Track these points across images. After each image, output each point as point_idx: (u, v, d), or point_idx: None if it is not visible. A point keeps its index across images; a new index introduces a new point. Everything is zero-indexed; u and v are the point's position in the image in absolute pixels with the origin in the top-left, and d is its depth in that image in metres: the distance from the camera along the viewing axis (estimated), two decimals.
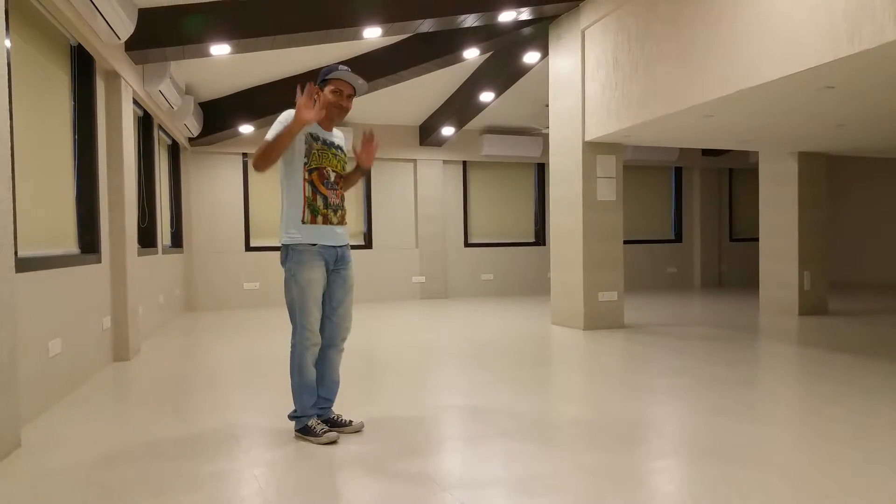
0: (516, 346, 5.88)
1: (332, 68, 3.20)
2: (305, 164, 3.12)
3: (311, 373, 3.17)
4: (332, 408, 3.34)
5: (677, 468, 2.73)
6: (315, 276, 3.11)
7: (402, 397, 4.05)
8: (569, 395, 4.08)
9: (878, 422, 3.34)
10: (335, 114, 3.22)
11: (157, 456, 2.96)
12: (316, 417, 3.20)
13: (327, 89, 3.18)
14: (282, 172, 3.18)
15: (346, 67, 3.19)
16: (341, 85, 3.20)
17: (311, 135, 3.15)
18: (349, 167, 3.38)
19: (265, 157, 3.02)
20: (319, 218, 3.13)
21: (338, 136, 3.33)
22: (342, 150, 3.31)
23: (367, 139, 3.33)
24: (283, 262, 3.16)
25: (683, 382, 4.30)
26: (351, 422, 3.29)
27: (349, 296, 3.28)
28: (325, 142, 3.20)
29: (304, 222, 3.11)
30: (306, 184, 3.12)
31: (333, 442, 3.07)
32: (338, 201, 3.22)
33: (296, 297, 3.11)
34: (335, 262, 3.21)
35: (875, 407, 3.62)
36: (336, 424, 3.26)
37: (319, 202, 3.14)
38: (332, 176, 3.20)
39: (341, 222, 3.23)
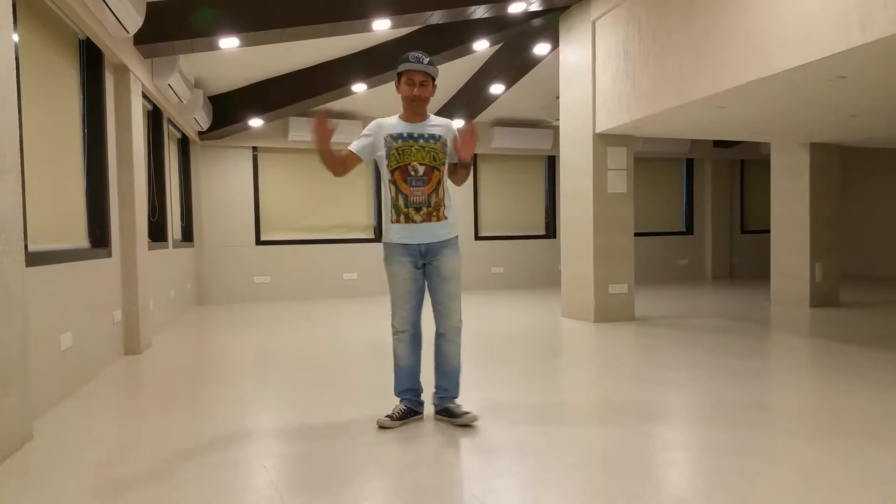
0: (527, 338, 5.87)
1: (401, 61, 3.19)
2: (388, 165, 3.16)
3: (403, 359, 3.29)
4: (457, 400, 3.37)
5: (689, 460, 2.71)
6: (398, 271, 3.21)
7: None
8: (580, 387, 4.07)
9: (891, 413, 3.30)
10: (416, 105, 3.20)
11: (169, 448, 2.97)
12: (404, 402, 3.31)
13: (402, 80, 3.18)
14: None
15: (416, 55, 3.17)
16: (409, 75, 3.17)
17: (390, 136, 3.17)
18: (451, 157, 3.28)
19: (328, 168, 3.19)
20: (402, 217, 3.18)
21: (431, 125, 3.24)
22: (434, 139, 3.20)
23: (466, 131, 3.22)
24: None
25: (695, 375, 4.27)
26: (466, 413, 3.28)
27: (445, 286, 3.23)
28: (409, 136, 3.17)
29: (392, 222, 3.21)
30: (391, 184, 3.18)
31: (383, 427, 3.19)
32: (422, 199, 3.16)
33: (389, 288, 3.26)
34: (423, 256, 3.22)
35: (887, 398, 3.58)
36: (451, 414, 3.28)
37: (401, 201, 3.16)
38: (421, 170, 3.16)
39: (427, 219, 3.18)
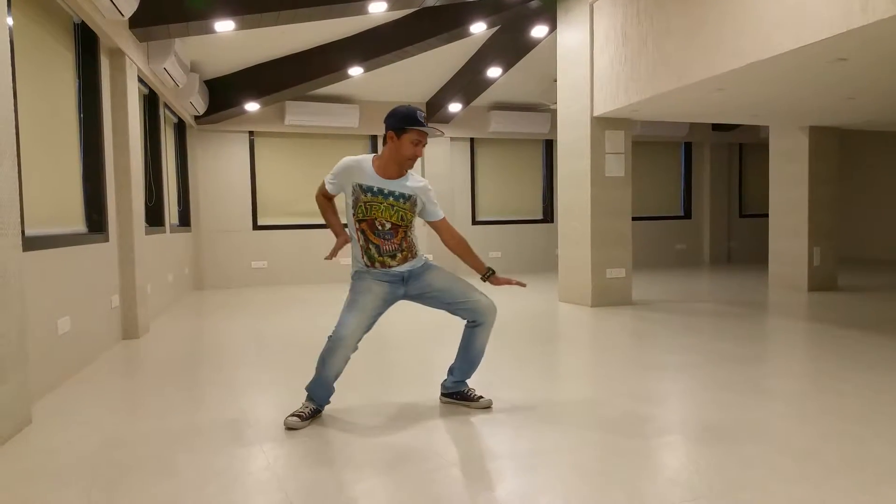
0: (523, 323, 5.88)
1: (410, 115, 3.04)
2: (353, 213, 3.10)
3: (333, 369, 3.04)
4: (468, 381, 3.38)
5: (684, 444, 2.73)
6: (372, 287, 3.09)
7: (410, 375, 4.06)
8: (576, 371, 4.09)
9: (886, 397, 3.32)
10: (408, 165, 3.10)
11: (166, 432, 2.98)
12: (313, 402, 3.13)
13: (406, 137, 3.03)
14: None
15: (423, 113, 3.09)
16: (419, 136, 3.05)
17: (359, 185, 3.06)
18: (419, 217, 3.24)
19: (328, 218, 3.28)
20: (377, 264, 3.11)
21: (403, 184, 3.12)
22: (405, 198, 3.10)
23: (510, 282, 3.28)
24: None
25: (691, 359, 4.29)
26: (481, 398, 3.30)
27: (446, 295, 3.17)
28: (378, 192, 3.06)
29: (366, 266, 3.13)
30: (359, 232, 3.11)
31: (292, 428, 2.99)
32: (394, 246, 3.11)
33: (347, 300, 3.11)
34: (404, 283, 3.16)
35: (882, 382, 3.60)
36: (468, 399, 3.30)
37: (373, 250, 3.10)
38: (388, 225, 3.08)
39: (403, 262, 3.14)
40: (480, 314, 3.21)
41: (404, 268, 3.15)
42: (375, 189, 3.06)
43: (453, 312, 3.24)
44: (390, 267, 3.12)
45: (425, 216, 3.24)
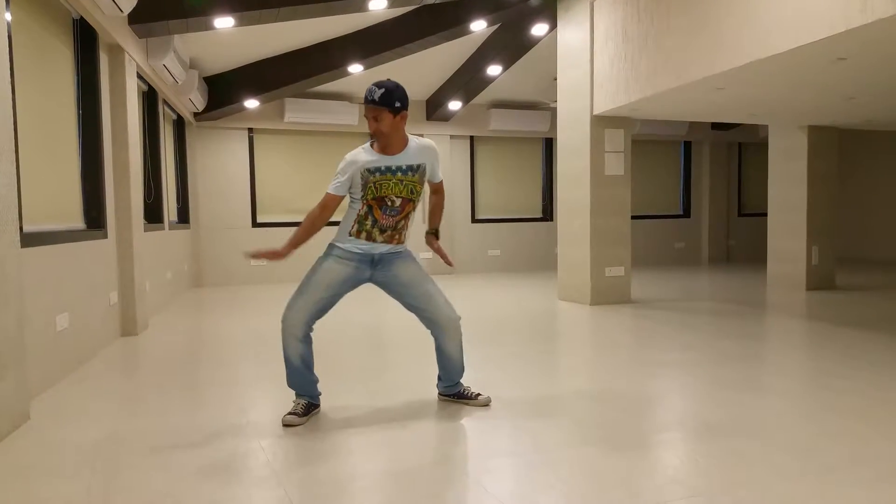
0: (523, 321, 5.88)
1: (404, 95, 3.04)
2: (362, 196, 3.06)
3: (296, 357, 3.06)
4: (462, 381, 3.39)
5: (683, 441, 2.73)
6: (333, 266, 3.07)
7: (410, 372, 4.06)
8: (575, 369, 4.09)
9: (885, 395, 3.32)
10: (381, 139, 3.05)
11: (165, 429, 2.98)
12: (303, 397, 3.13)
13: (404, 115, 3.04)
14: (346, 200, 3.15)
15: (371, 87, 3.01)
16: (365, 111, 3.04)
17: (367, 170, 3.04)
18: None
19: (306, 239, 3.10)
20: (364, 234, 3.09)
21: (407, 156, 3.09)
22: (413, 170, 3.08)
23: (440, 253, 3.35)
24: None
25: (690, 357, 4.29)
26: (479, 395, 3.31)
27: (412, 290, 3.16)
28: (387, 170, 3.04)
29: (349, 234, 3.10)
30: (365, 206, 3.08)
31: (290, 426, 2.99)
32: (391, 224, 3.09)
33: (304, 278, 3.09)
34: (372, 265, 3.11)
35: (881, 380, 3.60)
36: (466, 397, 3.31)
37: (369, 222, 3.08)
38: (398, 202, 3.08)
39: (388, 241, 3.12)
40: (437, 327, 3.21)
41: (383, 249, 3.12)
42: (383, 168, 3.05)
43: (416, 315, 3.23)
44: (374, 241, 3.09)
45: (428, 176, 3.23)
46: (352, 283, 3.12)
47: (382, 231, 3.10)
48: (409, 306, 3.21)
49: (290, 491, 2.28)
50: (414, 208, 3.16)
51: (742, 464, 2.46)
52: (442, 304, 3.19)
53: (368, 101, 3.00)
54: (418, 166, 3.11)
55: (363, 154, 3.08)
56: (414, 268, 3.19)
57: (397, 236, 3.15)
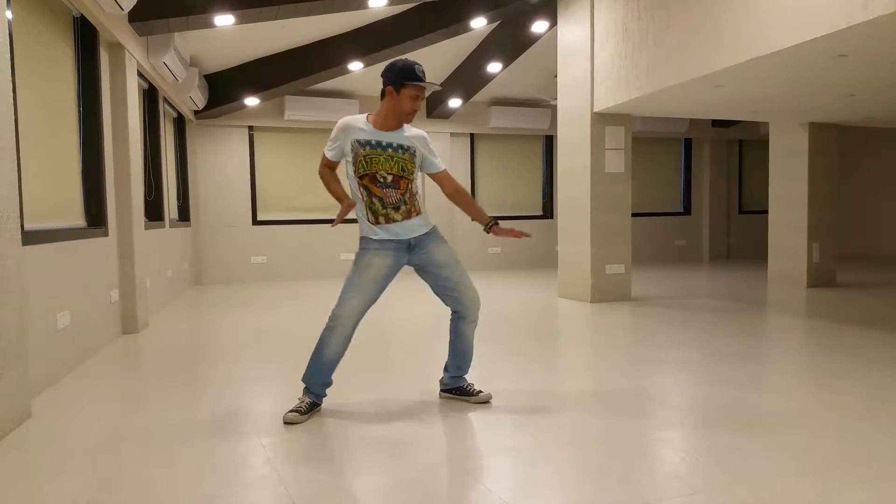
0: (522, 318, 5.89)
1: (409, 69, 3.03)
2: (355, 171, 3.08)
3: (331, 353, 3.09)
4: (466, 376, 3.39)
5: (682, 438, 2.74)
6: (374, 260, 3.09)
7: (410, 369, 4.06)
8: (575, 367, 4.09)
9: (884, 393, 3.33)
10: (407, 119, 3.10)
11: (166, 426, 2.98)
12: (310, 395, 3.13)
13: (405, 93, 3.03)
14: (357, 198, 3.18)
15: (421, 68, 3.06)
16: (417, 90, 3.04)
17: (357, 141, 3.05)
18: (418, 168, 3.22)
19: (331, 189, 3.18)
20: (382, 218, 3.10)
21: (401, 135, 3.11)
22: (404, 149, 3.10)
23: (511, 232, 3.30)
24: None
25: (690, 354, 4.29)
26: (480, 392, 3.31)
27: (445, 271, 3.18)
28: (376, 144, 3.06)
29: (371, 223, 3.12)
30: (361, 187, 3.10)
31: (291, 423, 2.99)
32: (397, 197, 3.09)
33: (348, 276, 3.12)
34: (410, 251, 3.15)
35: (881, 378, 3.61)
36: (467, 393, 3.31)
37: (377, 204, 3.09)
38: (389, 178, 3.07)
39: (407, 216, 3.12)
40: (464, 306, 3.24)
41: (410, 226, 3.13)
42: (374, 142, 3.07)
43: (441, 296, 3.25)
44: (395, 221, 3.10)
45: (426, 168, 3.24)
46: (395, 271, 3.16)
47: (396, 208, 3.11)
48: (440, 287, 3.23)
49: (290, 489, 2.28)
50: (409, 185, 3.15)
51: (742, 461, 2.46)
52: (469, 285, 3.25)
53: (426, 81, 3.06)
54: (409, 147, 3.13)
55: (357, 123, 3.10)
56: (447, 248, 3.23)
57: (412, 209, 3.15)
